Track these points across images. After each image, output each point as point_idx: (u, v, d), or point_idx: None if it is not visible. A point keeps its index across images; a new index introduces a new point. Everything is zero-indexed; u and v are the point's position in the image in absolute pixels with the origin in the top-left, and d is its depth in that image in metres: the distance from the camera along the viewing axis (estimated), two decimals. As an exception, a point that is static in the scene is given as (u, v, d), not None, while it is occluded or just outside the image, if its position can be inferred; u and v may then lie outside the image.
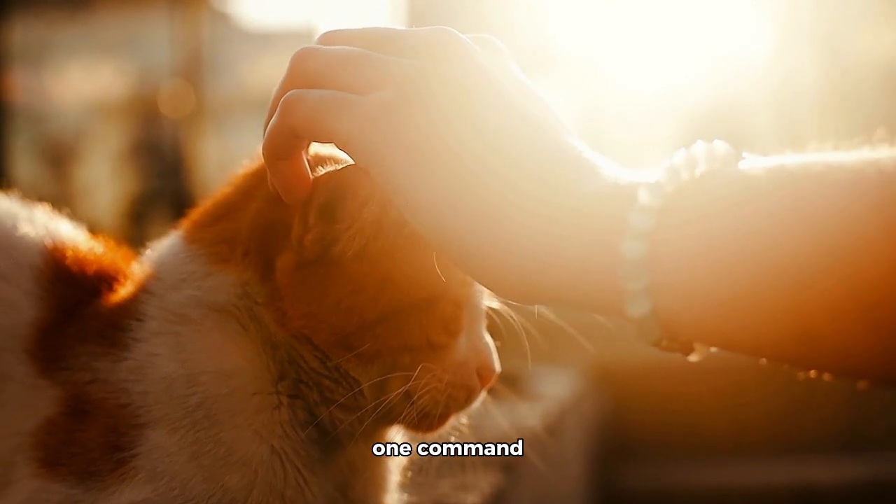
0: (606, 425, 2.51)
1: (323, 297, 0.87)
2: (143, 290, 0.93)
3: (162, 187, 6.16)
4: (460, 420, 0.95)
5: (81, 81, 6.43)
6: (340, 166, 0.86)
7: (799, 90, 6.48)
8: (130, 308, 0.92)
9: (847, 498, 2.59)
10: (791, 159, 0.65)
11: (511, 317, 0.95)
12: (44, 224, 1.00)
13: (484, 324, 0.94)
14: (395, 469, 0.98)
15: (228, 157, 7.33)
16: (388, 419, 0.92)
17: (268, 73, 7.81)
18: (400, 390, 0.89)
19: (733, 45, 6.58)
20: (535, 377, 2.10)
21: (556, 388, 2.11)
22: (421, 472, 1.00)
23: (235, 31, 7.65)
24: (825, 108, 6.54)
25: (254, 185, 0.93)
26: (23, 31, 5.99)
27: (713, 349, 0.71)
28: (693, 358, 0.71)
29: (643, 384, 2.59)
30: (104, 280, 0.97)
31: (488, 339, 0.94)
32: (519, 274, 0.72)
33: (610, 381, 2.54)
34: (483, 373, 0.92)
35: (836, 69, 6.48)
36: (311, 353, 0.89)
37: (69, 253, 0.98)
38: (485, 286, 0.79)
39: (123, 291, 0.95)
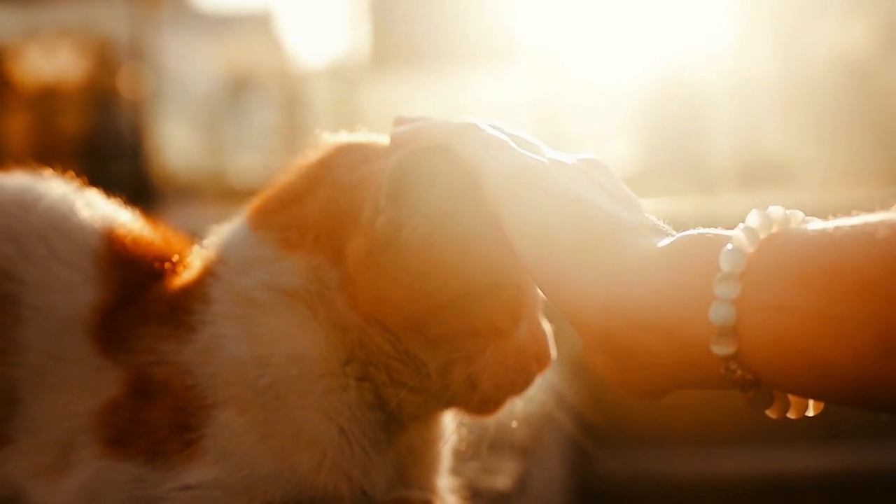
0: (586, 413, 2.52)
1: (394, 282, 0.89)
2: (209, 274, 0.94)
3: (118, 169, 6.13)
4: (516, 404, 0.97)
5: (39, 62, 6.38)
6: (410, 151, 0.89)
7: (759, 84, 6.55)
8: (196, 291, 0.94)
9: (821, 486, 2.63)
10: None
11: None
12: (101, 208, 1.02)
13: (541, 311, 0.96)
14: (448, 452, 1.00)
15: (183, 140, 7.32)
16: (450, 402, 0.94)
17: (223, 57, 7.80)
18: (465, 373, 0.91)
19: (695, 38, 6.64)
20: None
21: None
22: (453, 456, 1.03)
23: (192, 15, 7.61)
24: (785, 102, 6.62)
25: (321, 173, 0.94)
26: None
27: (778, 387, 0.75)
28: (750, 396, 0.75)
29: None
30: (163, 264, 0.98)
31: (545, 325, 0.96)
32: (597, 308, 0.79)
33: (589, 369, 2.55)
34: (540, 359, 0.95)
35: (796, 64, 6.56)
36: (383, 336, 0.91)
37: (127, 237, 1.00)
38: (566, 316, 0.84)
39: (186, 275, 0.97)
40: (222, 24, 7.77)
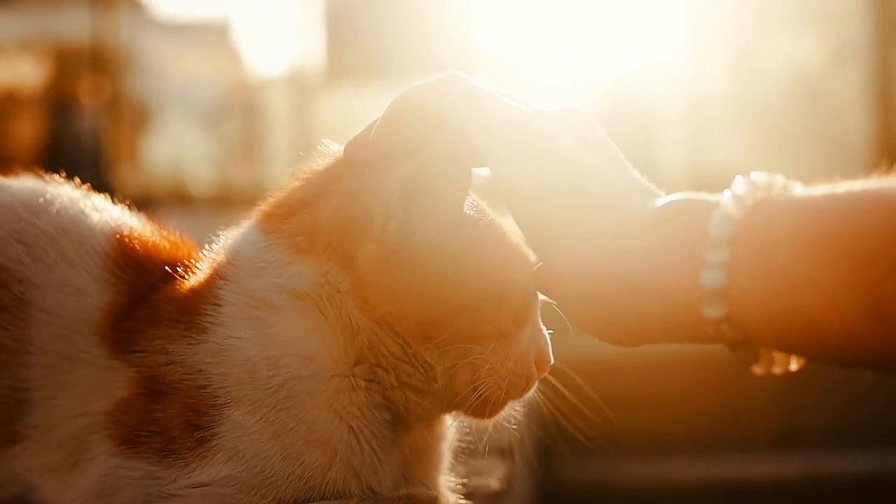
0: (546, 419, 2.54)
1: (405, 288, 0.92)
2: (220, 277, 0.96)
3: (79, 177, 6.09)
4: (515, 408, 1.00)
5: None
6: (423, 159, 0.92)
7: (711, 98, 6.62)
8: (206, 294, 0.96)
9: (779, 492, 2.67)
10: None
11: None
12: (109, 212, 1.04)
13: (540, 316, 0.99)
14: (448, 452, 1.03)
15: (141, 148, 7.29)
16: (454, 404, 0.97)
17: (183, 65, 7.78)
18: (470, 376, 0.94)
19: (648, 52, 6.69)
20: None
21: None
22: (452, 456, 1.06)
23: (151, 23, 7.59)
24: (736, 116, 6.70)
25: (331, 180, 0.97)
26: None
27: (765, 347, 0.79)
28: (738, 354, 0.79)
29: (582, 379, 2.64)
30: (171, 266, 1.01)
31: (545, 331, 0.99)
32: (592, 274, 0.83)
33: (550, 374, 2.57)
34: (540, 363, 0.98)
35: (747, 78, 6.64)
36: (392, 340, 0.93)
37: (136, 240, 1.02)
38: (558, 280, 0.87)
39: (196, 278, 0.99)
40: (181, 32, 7.76)
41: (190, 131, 7.67)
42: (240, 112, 7.81)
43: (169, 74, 7.66)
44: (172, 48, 7.71)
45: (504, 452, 1.36)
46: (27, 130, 6.54)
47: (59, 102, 6.74)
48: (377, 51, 7.38)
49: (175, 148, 7.56)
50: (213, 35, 7.90)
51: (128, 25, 6.89)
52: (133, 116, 6.91)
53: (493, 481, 1.23)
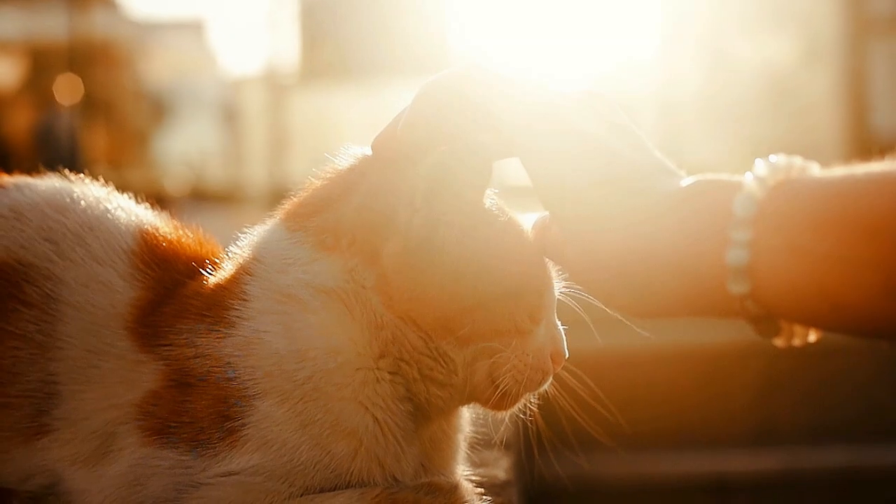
0: (532, 415, 2.56)
1: (428, 283, 0.95)
2: (246, 273, 0.99)
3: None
4: (530, 399, 1.04)
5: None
6: (444, 153, 0.94)
7: (684, 96, 6.67)
8: (233, 289, 0.99)
9: (757, 487, 2.71)
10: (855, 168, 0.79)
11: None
12: (134, 211, 1.07)
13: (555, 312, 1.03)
14: (464, 443, 1.07)
15: (119, 145, 7.28)
16: (472, 397, 1.01)
17: (156, 63, 7.78)
18: (488, 370, 0.98)
19: (621, 51, 6.74)
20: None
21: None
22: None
23: (125, 21, 7.58)
24: (709, 113, 6.75)
25: (353, 180, 1.00)
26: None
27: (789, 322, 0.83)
28: (760, 328, 0.83)
29: (565, 375, 2.66)
30: (197, 263, 1.04)
31: (560, 326, 1.03)
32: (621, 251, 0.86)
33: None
34: (555, 358, 1.01)
35: (720, 76, 6.70)
36: (416, 334, 0.97)
37: (161, 238, 1.05)
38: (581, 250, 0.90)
39: (221, 274, 1.02)
40: (156, 31, 7.76)
41: (166, 129, 7.67)
42: (215, 110, 7.81)
43: (145, 73, 7.65)
44: (148, 47, 7.70)
45: (509, 445, 1.39)
46: (3, 128, 6.52)
47: (35, 101, 6.73)
48: (351, 50, 7.38)
49: (151, 145, 7.56)
50: (187, 33, 7.90)
51: (104, 25, 6.88)
52: (109, 114, 6.90)
53: (500, 472, 1.26)
